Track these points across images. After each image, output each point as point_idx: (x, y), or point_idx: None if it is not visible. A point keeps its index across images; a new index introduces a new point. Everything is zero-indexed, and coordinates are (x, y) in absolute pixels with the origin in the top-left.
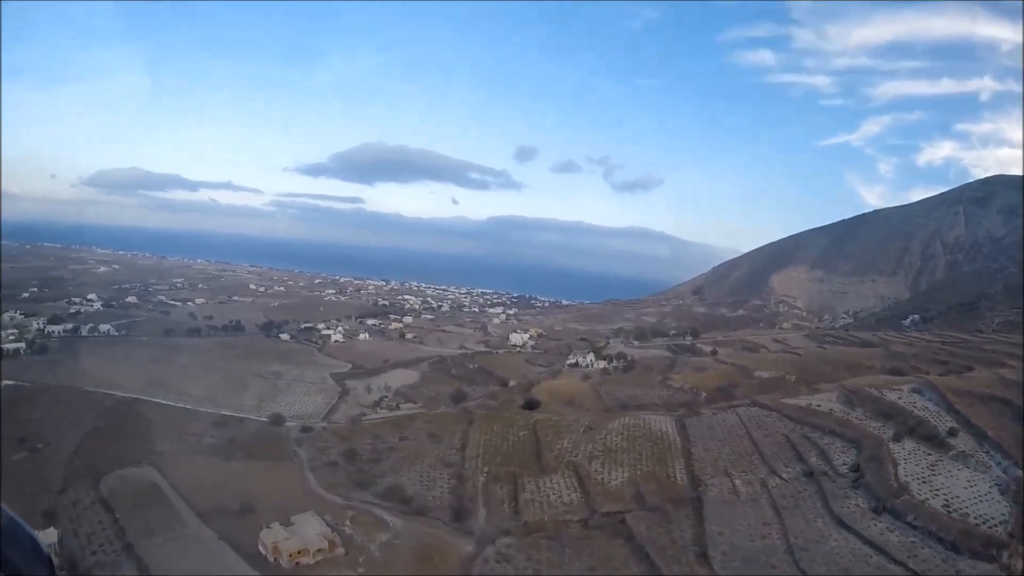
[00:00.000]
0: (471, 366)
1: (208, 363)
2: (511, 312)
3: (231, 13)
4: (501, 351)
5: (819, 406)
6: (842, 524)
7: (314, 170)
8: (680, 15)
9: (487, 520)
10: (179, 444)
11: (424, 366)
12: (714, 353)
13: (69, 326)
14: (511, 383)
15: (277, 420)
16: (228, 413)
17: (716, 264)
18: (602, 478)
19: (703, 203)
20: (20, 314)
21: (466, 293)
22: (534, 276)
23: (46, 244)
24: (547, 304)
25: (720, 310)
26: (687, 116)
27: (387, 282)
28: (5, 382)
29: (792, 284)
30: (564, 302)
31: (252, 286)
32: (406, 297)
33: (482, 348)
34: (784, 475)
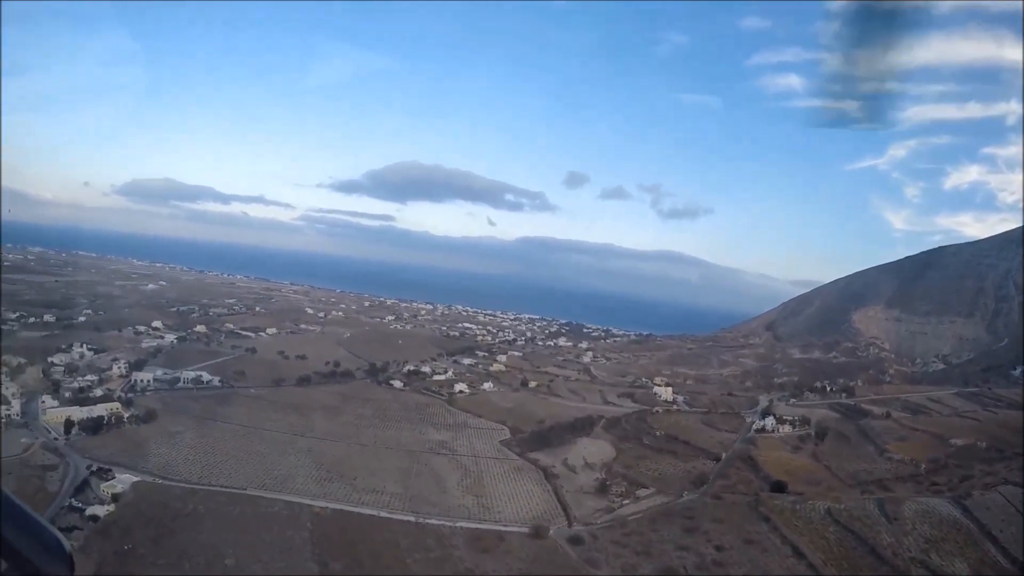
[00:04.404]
0: (657, 433)
1: (355, 431)
2: (583, 346)
3: (267, 31)
4: (658, 409)
5: None
6: None
7: (347, 187)
8: (706, 40)
9: None
10: None
11: (599, 431)
12: (888, 416)
13: (159, 373)
14: (722, 455)
15: (540, 532)
16: (465, 524)
17: (786, 300)
18: (953, 572)
19: (734, 227)
20: (89, 349)
21: (515, 319)
22: (567, 298)
23: (82, 252)
24: (601, 333)
25: (814, 352)
26: (718, 141)
27: (433, 306)
28: (127, 475)
29: (871, 324)
30: (615, 331)
31: (308, 310)
32: (467, 325)
33: (630, 404)
34: None
